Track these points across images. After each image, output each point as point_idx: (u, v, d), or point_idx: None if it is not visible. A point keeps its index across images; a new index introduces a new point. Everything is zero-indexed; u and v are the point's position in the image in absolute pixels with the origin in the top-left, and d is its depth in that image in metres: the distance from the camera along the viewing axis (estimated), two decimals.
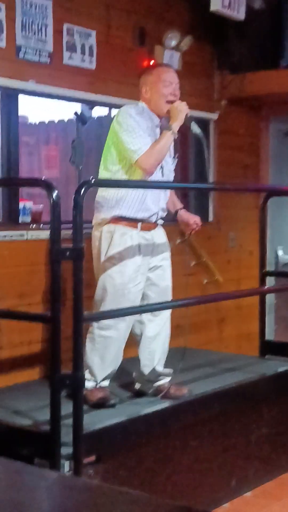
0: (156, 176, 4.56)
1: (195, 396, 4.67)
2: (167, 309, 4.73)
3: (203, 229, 6.50)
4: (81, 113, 4.09)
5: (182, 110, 4.49)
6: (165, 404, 4.50)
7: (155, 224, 4.64)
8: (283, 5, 6.41)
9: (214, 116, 6.74)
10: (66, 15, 5.38)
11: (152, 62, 5.98)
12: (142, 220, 4.53)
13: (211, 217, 6.85)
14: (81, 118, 4.07)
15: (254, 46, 6.57)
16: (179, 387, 4.70)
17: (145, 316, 4.64)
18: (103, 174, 4.54)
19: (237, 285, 6.92)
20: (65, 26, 5.38)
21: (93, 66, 5.58)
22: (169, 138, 4.45)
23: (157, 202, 4.58)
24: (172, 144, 4.70)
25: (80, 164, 3.98)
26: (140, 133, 4.42)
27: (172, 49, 6.12)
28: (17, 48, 5.05)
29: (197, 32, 6.37)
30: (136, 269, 4.49)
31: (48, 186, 3.74)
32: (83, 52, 5.50)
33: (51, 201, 3.68)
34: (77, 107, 6.93)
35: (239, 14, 5.84)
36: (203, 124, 6.70)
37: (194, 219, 4.87)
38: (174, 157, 4.78)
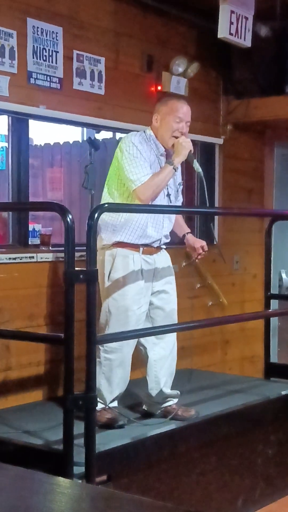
0: (162, 203, 4.62)
1: (202, 418, 4.72)
2: (172, 332, 4.78)
3: (208, 252, 6.58)
4: (94, 138, 4.16)
5: (186, 146, 4.54)
6: (173, 425, 4.55)
7: (158, 248, 4.69)
8: None
9: (219, 141, 6.84)
10: (76, 42, 5.48)
11: (159, 88, 6.09)
12: (144, 245, 4.59)
13: (215, 240, 6.91)
14: (94, 143, 4.14)
15: (259, 72, 6.65)
16: (187, 408, 4.75)
17: (150, 340, 4.68)
18: (106, 198, 4.60)
19: (241, 307, 6.98)
20: (75, 53, 5.47)
21: (102, 91, 5.67)
22: (169, 173, 4.50)
23: (160, 229, 4.63)
24: (179, 169, 4.78)
25: (92, 189, 4.05)
26: (140, 163, 4.47)
27: (179, 75, 6.21)
28: (28, 74, 5.14)
29: (203, 59, 6.47)
30: (138, 292, 4.54)
31: (62, 210, 3.82)
32: (92, 78, 5.60)
33: (66, 225, 3.76)
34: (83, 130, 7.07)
35: (246, 41, 5.92)
36: (209, 148, 6.82)
37: (200, 244, 4.86)
38: (179, 182, 4.83)
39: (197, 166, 4.61)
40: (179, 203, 4.87)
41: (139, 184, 4.43)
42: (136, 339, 4.60)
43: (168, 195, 4.67)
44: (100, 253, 4.54)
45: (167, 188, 4.64)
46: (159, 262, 4.67)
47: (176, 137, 4.59)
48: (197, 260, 4.94)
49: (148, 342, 4.68)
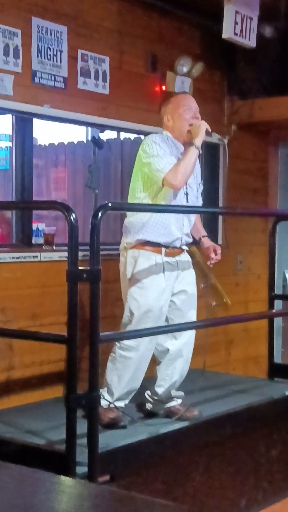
0: (181, 202, 4.61)
1: (205, 418, 4.71)
2: (176, 331, 4.78)
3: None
4: (98, 138, 4.15)
5: (202, 126, 4.58)
6: (177, 425, 4.54)
7: (180, 250, 4.68)
8: None
9: (223, 141, 6.83)
10: (81, 41, 5.48)
11: (164, 88, 6.09)
12: (166, 246, 4.58)
13: (219, 240, 6.91)
14: (97, 143, 4.14)
15: (263, 72, 6.65)
16: (190, 408, 4.74)
17: (168, 339, 4.68)
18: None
19: (244, 308, 6.97)
20: (80, 52, 5.48)
21: (106, 91, 5.67)
22: (193, 153, 4.51)
23: (180, 227, 4.62)
24: (199, 169, 4.79)
25: (96, 188, 4.05)
26: (165, 156, 4.49)
27: (184, 75, 6.21)
28: (32, 73, 5.14)
29: (208, 59, 6.47)
30: (160, 292, 4.54)
31: (66, 208, 3.81)
32: (96, 78, 5.60)
33: (69, 223, 3.75)
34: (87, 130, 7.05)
35: (250, 41, 5.92)
36: (213, 148, 6.81)
37: (215, 248, 4.84)
38: (199, 183, 4.83)
39: (217, 136, 4.79)
40: (198, 204, 4.86)
41: (166, 171, 4.43)
42: (155, 340, 4.60)
43: (186, 193, 4.66)
44: (122, 254, 4.61)
45: (186, 187, 4.64)
46: (181, 265, 4.67)
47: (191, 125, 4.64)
48: (210, 265, 4.92)
49: (165, 340, 4.68)
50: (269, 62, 6.62)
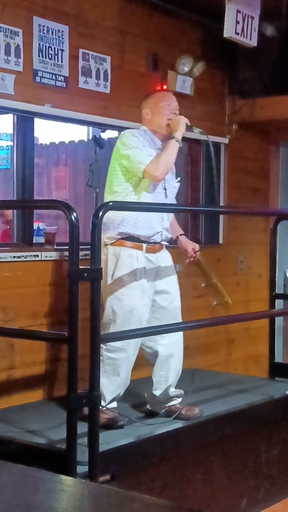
0: (160, 197, 4.61)
1: (206, 417, 4.71)
2: (178, 331, 4.78)
3: (213, 251, 6.59)
4: (99, 137, 4.15)
5: (181, 120, 4.60)
6: (177, 424, 4.54)
7: (160, 246, 4.68)
8: None
9: (225, 140, 6.83)
10: (82, 40, 5.47)
11: (165, 87, 6.08)
12: (146, 241, 4.58)
13: (220, 240, 6.91)
14: (98, 142, 4.13)
15: (264, 72, 6.65)
16: (190, 407, 4.74)
17: (156, 340, 4.67)
18: (107, 197, 4.58)
19: (245, 307, 6.96)
20: (81, 51, 5.47)
21: (107, 90, 5.67)
22: (174, 146, 4.53)
23: (160, 221, 4.63)
24: (173, 167, 4.78)
25: (97, 187, 4.05)
26: (145, 148, 4.51)
27: (185, 75, 6.21)
28: (34, 73, 5.13)
29: (209, 58, 6.47)
30: (142, 290, 4.54)
31: (67, 208, 3.81)
32: (98, 77, 5.59)
33: (70, 223, 3.75)
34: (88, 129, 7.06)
35: (252, 41, 5.90)
36: (214, 148, 6.79)
37: (192, 246, 4.91)
38: (177, 180, 4.83)
39: (198, 130, 4.77)
40: (174, 201, 4.85)
41: (147, 162, 4.44)
42: (141, 339, 4.59)
43: (165, 188, 4.67)
44: (102, 251, 4.53)
45: (164, 183, 4.64)
46: (162, 261, 4.68)
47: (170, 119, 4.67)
48: (187, 262, 4.94)
49: (154, 342, 4.67)
50: (270, 61, 6.61)
